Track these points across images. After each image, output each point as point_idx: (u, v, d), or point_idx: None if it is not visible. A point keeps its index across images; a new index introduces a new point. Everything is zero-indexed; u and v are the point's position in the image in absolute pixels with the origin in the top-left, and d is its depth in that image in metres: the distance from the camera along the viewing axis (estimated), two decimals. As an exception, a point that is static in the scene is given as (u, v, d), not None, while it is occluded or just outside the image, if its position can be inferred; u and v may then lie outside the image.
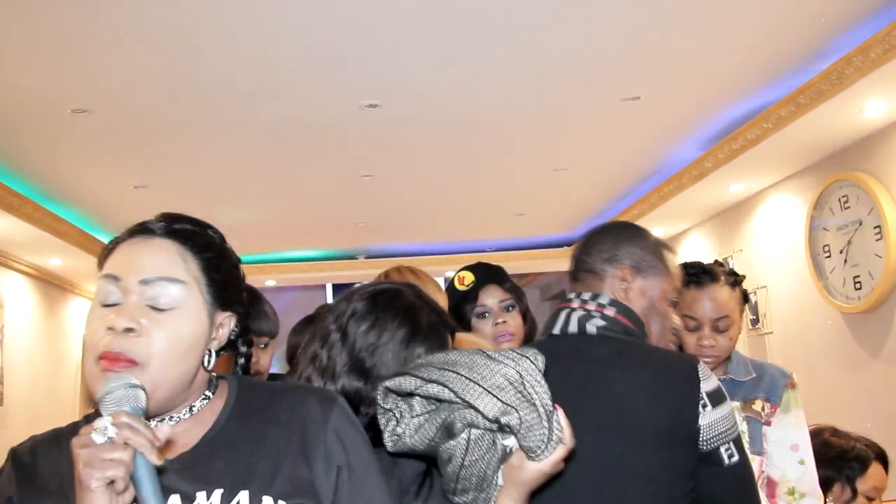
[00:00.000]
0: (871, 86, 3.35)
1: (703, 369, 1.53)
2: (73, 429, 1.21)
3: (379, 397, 1.28)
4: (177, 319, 1.14)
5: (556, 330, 1.61)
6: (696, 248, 6.18)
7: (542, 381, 1.19)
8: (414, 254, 7.50)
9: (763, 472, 2.06)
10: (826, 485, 2.22)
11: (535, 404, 1.18)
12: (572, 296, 1.67)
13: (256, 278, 7.71)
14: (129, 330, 1.10)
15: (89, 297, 6.94)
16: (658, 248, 1.72)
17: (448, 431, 1.23)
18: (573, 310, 1.62)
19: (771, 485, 2.06)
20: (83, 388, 7.03)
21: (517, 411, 1.17)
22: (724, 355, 2.13)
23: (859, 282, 4.05)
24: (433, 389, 1.21)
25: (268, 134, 4.17)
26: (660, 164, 5.04)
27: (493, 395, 1.18)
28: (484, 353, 1.24)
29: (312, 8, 2.86)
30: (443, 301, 2.26)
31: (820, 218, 4.37)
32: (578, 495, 1.45)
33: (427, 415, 1.26)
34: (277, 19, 2.94)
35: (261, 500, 1.11)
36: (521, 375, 1.18)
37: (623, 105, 3.92)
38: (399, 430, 1.27)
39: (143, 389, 1.05)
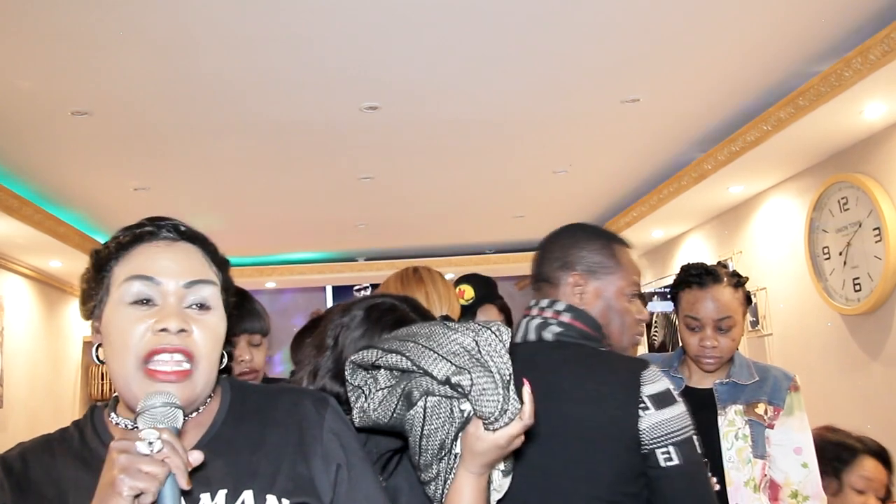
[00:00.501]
0: (871, 88, 3.36)
1: (649, 373, 1.54)
2: (64, 434, 1.21)
3: (347, 374, 1.30)
4: (215, 319, 1.18)
5: (518, 338, 1.66)
6: (696, 250, 6.18)
7: (503, 353, 1.20)
8: (413, 256, 7.50)
9: (766, 475, 2.06)
10: None
11: (490, 371, 1.18)
12: (532, 304, 1.71)
13: (257, 280, 7.72)
14: (182, 331, 1.12)
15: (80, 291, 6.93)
16: (609, 246, 1.72)
17: (407, 401, 1.24)
18: (532, 318, 1.67)
19: (774, 488, 2.06)
20: (83, 391, 7.03)
21: (469, 373, 1.17)
22: (726, 356, 2.13)
23: (859, 283, 4.05)
24: (393, 359, 1.23)
25: (268, 136, 4.18)
26: (659, 165, 5.05)
27: (446, 359, 1.19)
28: (445, 324, 1.25)
29: (312, 11, 2.87)
30: (454, 303, 2.27)
31: (819, 220, 4.37)
32: (525, 498, 1.47)
33: (389, 388, 1.27)
34: (278, 23, 2.94)
35: (265, 499, 1.12)
36: (477, 343, 1.19)
37: (623, 107, 3.93)
38: (365, 405, 1.28)
39: (182, 409, 1.07)
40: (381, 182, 5.16)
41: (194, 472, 1.12)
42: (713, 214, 5.74)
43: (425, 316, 1.50)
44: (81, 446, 1.18)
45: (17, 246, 5.24)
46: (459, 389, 1.19)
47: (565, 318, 1.63)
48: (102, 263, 1.19)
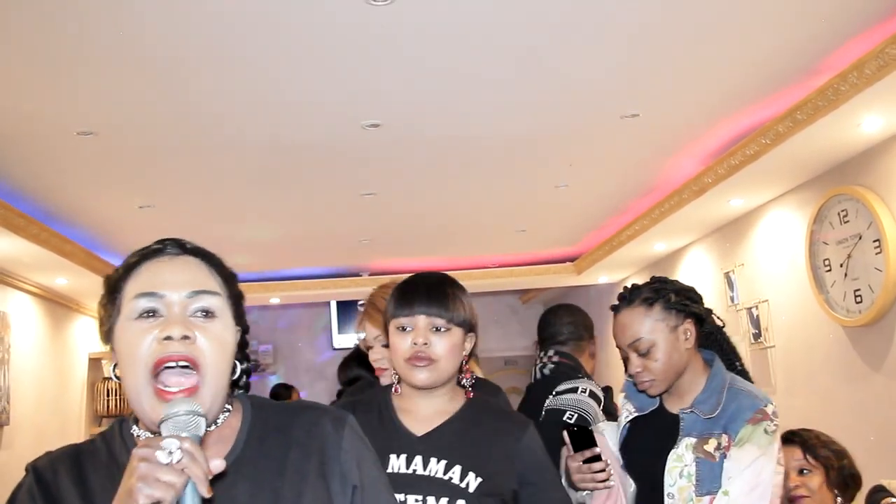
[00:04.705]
0: (867, 101, 3.38)
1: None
2: (92, 446, 1.23)
3: None
4: (221, 327, 1.20)
5: None
6: (698, 263, 6.20)
7: None
8: (416, 270, 7.51)
9: None
10: None
11: None
12: None
13: (261, 296, 7.75)
14: (185, 337, 1.14)
15: (95, 315, 6.96)
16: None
17: None
18: None
19: None
20: (89, 408, 7.05)
21: None
22: (661, 378, 2.01)
23: (860, 295, 4.07)
24: None
25: (270, 154, 4.22)
26: (660, 179, 5.08)
27: None
28: None
29: (313, 30, 2.91)
30: None
31: (820, 232, 4.39)
32: None
33: None
34: (279, 41, 2.99)
35: None
36: None
37: (622, 122, 3.96)
38: None
39: (205, 417, 1.08)
40: (384, 198, 5.20)
41: (221, 496, 1.14)
42: (714, 227, 5.76)
43: None
44: (109, 459, 1.20)
45: (23, 264, 5.27)
46: None
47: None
48: (113, 286, 1.23)
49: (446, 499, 1.65)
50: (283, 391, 6.60)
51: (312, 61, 3.17)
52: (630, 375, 2.10)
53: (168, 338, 1.14)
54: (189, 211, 5.23)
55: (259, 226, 5.80)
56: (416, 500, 1.65)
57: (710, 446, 1.96)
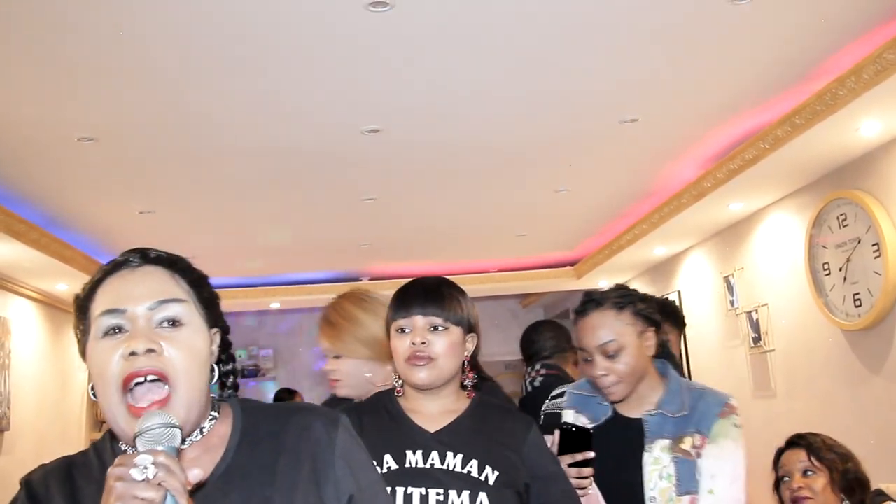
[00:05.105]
0: (865, 106, 3.39)
1: None
2: (85, 458, 1.22)
3: None
4: (188, 334, 1.18)
5: None
6: (698, 268, 6.20)
7: None
8: (416, 275, 7.51)
9: None
10: None
11: None
12: None
13: (261, 301, 7.76)
14: (151, 351, 1.13)
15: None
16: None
17: None
18: None
19: None
20: (89, 413, 7.06)
21: None
22: (626, 382, 2.03)
23: (859, 299, 4.07)
24: None
25: (270, 159, 4.23)
26: (659, 184, 5.08)
27: None
28: None
29: (313, 36, 2.92)
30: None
31: (819, 236, 4.40)
32: None
33: None
34: (279, 47, 3.00)
35: None
36: None
37: (622, 127, 3.97)
38: None
39: (180, 429, 1.07)
40: (384, 203, 5.20)
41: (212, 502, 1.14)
42: (714, 231, 5.77)
43: None
44: (100, 472, 1.18)
45: (23, 269, 5.28)
46: None
47: None
48: (81, 306, 1.22)
49: (468, 492, 1.67)
50: (286, 395, 6.60)
51: (312, 67, 3.18)
52: (585, 380, 2.16)
53: (133, 353, 1.13)
54: (189, 217, 5.24)
55: (259, 231, 5.81)
56: (438, 494, 1.66)
57: (687, 444, 1.99)
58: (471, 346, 1.84)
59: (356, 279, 7.67)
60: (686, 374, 2.34)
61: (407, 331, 1.79)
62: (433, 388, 1.78)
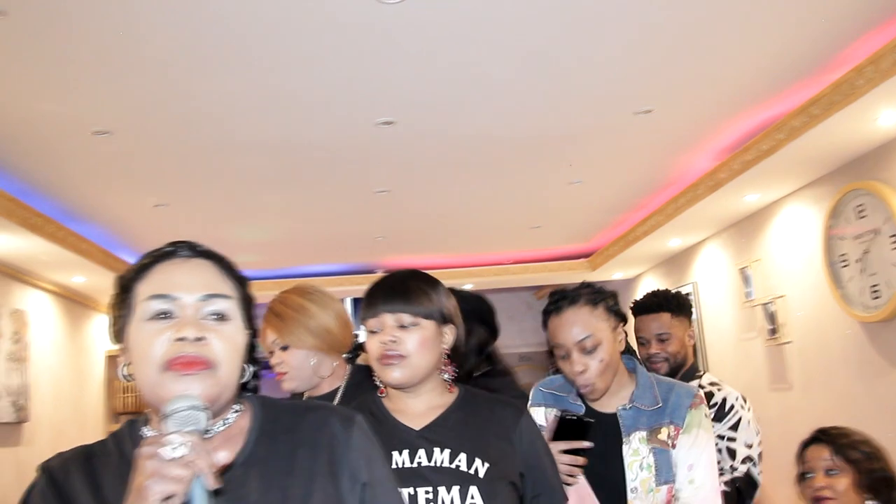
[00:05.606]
0: (883, 96, 3.35)
1: None
2: (103, 447, 1.25)
3: None
4: (232, 330, 1.22)
5: None
6: (714, 259, 6.17)
7: None
8: (431, 267, 7.54)
9: (672, 499, 2.02)
10: None
11: None
12: None
13: (275, 294, 7.76)
14: (199, 339, 1.16)
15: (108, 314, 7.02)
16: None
17: None
18: None
19: None
20: (107, 405, 7.11)
21: None
22: (598, 378, 2.05)
23: (877, 291, 4.04)
24: None
25: (284, 152, 4.23)
26: (674, 175, 5.06)
27: None
28: None
29: (326, 28, 2.92)
30: (339, 314, 2.37)
31: (836, 227, 4.36)
32: None
33: None
34: (291, 40, 3.00)
35: None
36: None
37: (636, 118, 3.95)
38: None
39: (207, 409, 1.10)
40: (398, 196, 5.21)
41: (230, 493, 1.16)
42: (730, 223, 5.74)
43: None
44: (120, 459, 1.21)
45: (41, 262, 5.32)
46: None
47: None
48: (126, 285, 1.24)
49: (457, 487, 1.63)
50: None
51: (325, 60, 3.18)
52: (554, 377, 2.19)
53: (182, 339, 1.16)
54: (204, 210, 5.26)
55: (273, 224, 5.83)
56: (427, 493, 1.63)
57: (663, 435, 2.04)
58: (449, 339, 1.79)
59: (371, 272, 7.69)
60: (702, 367, 2.33)
61: (377, 330, 1.74)
62: (410, 385, 1.74)
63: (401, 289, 1.76)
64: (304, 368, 2.31)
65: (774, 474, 4.07)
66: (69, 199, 4.70)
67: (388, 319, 1.73)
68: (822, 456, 2.34)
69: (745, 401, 2.84)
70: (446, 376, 1.79)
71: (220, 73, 3.22)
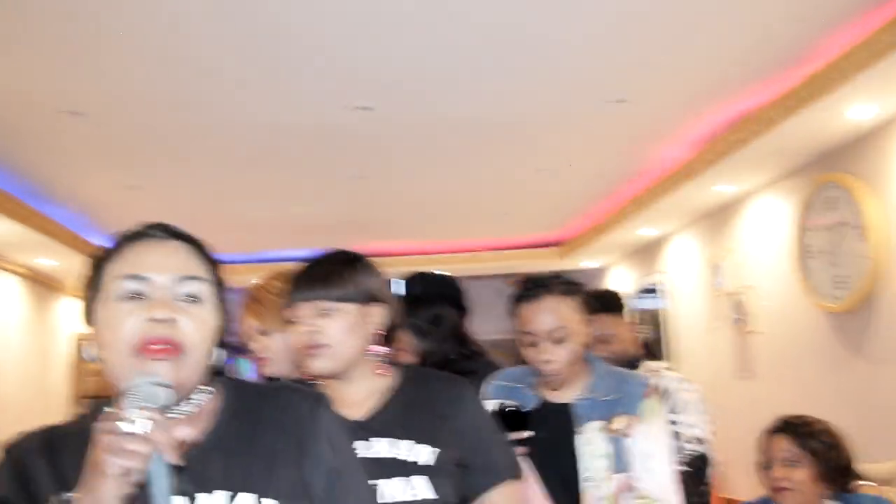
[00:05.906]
0: (857, 90, 3.39)
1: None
2: (67, 428, 1.24)
3: None
4: (205, 312, 1.20)
5: None
6: (686, 249, 6.23)
7: None
8: (406, 253, 7.53)
9: (629, 487, 2.01)
10: None
11: None
12: None
13: (248, 278, 7.70)
14: (171, 320, 1.15)
15: (79, 296, 6.95)
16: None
17: None
18: None
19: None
20: (73, 387, 7.04)
21: None
22: (564, 368, 2.05)
23: (843, 282, 4.10)
24: None
25: (260, 135, 4.20)
26: (647, 165, 5.09)
27: None
28: None
29: (305, 11, 2.89)
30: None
31: (807, 219, 4.42)
32: None
33: None
34: (269, 22, 2.97)
35: (260, 503, 1.15)
36: None
37: (610, 108, 3.96)
38: None
39: (169, 387, 1.09)
40: (373, 181, 5.19)
41: (192, 473, 1.15)
42: (702, 214, 5.79)
43: None
44: (83, 439, 1.19)
45: (9, 244, 5.24)
46: None
47: None
48: (98, 265, 1.23)
49: (400, 478, 1.54)
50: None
51: (303, 44, 3.15)
52: (507, 371, 2.21)
53: (153, 319, 1.15)
54: (178, 192, 5.21)
55: (249, 207, 5.78)
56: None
57: (619, 424, 2.03)
58: (377, 318, 1.68)
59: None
60: (663, 356, 2.33)
61: (297, 321, 1.65)
62: (339, 374, 1.64)
63: (315, 275, 1.68)
64: (286, 352, 2.30)
65: (740, 462, 4.13)
66: (40, 180, 4.63)
67: (305, 308, 1.65)
68: (782, 447, 2.36)
69: (687, 384, 2.83)
70: (375, 358, 1.68)
71: (198, 54, 3.19)
